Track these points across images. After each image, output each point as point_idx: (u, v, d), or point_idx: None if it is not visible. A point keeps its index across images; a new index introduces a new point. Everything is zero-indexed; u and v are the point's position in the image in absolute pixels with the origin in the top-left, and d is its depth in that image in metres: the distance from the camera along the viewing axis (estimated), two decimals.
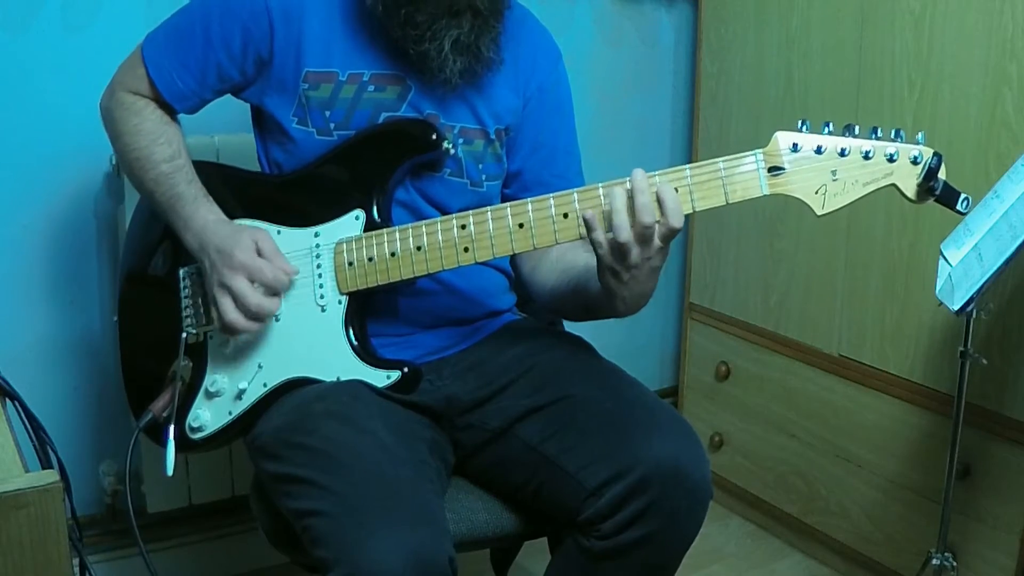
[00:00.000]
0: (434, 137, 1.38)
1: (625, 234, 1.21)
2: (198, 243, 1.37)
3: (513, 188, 1.53)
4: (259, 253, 1.34)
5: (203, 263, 1.37)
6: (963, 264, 1.51)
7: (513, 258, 1.53)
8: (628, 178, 1.24)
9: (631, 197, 1.22)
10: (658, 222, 1.22)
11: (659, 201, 1.22)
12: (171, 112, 1.47)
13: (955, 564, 1.71)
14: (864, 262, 2.03)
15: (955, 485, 1.67)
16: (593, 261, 1.37)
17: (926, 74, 1.85)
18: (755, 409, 2.32)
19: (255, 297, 1.32)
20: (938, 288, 1.53)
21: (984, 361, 1.61)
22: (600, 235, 1.24)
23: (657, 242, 1.23)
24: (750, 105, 2.25)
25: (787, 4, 2.13)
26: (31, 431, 1.22)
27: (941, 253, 1.57)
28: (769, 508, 2.33)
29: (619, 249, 1.22)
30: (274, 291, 1.34)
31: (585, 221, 1.24)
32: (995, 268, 1.42)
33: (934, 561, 1.70)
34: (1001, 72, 1.73)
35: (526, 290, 1.54)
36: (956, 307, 1.46)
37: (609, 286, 1.28)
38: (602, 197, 1.26)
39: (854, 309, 2.07)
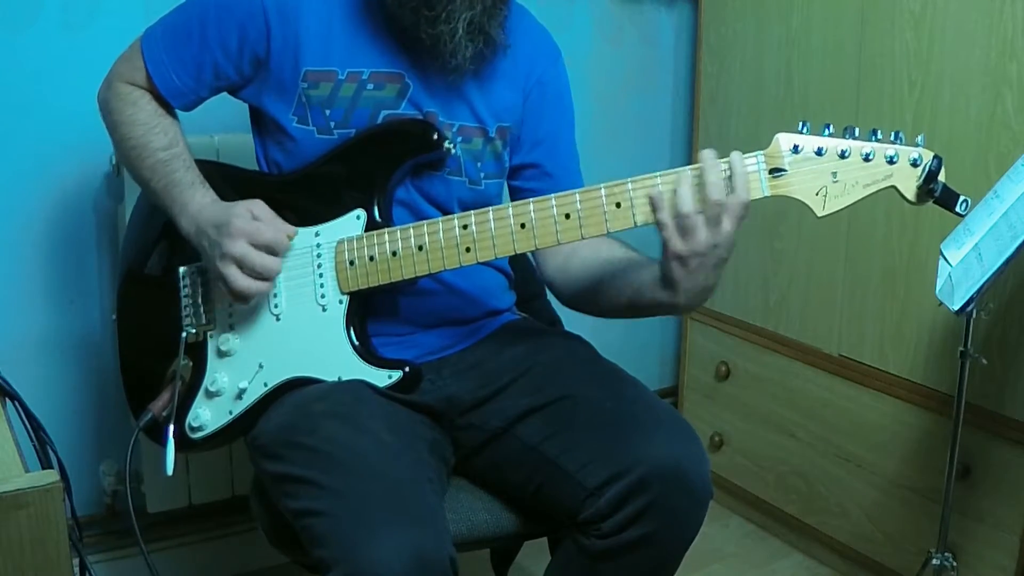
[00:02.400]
0: (435, 137, 1.38)
1: (688, 205, 1.20)
2: (194, 226, 1.36)
3: (520, 180, 1.53)
4: (255, 218, 1.34)
5: (201, 245, 1.35)
6: (963, 264, 1.51)
7: (535, 257, 1.52)
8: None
9: (699, 176, 1.21)
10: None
11: (730, 176, 1.21)
12: (168, 106, 1.46)
13: (955, 564, 1.71)
14: (864, 262, 2.03)
15: (955, 485, 1.67)
16: (634, 255, 1.38)
17: (926, 74, 1.85)
18: (755, 409, 2.32)
19: (258, 257, 1.31)
20: (938, 288, 1.53)
21: (984, 361, 1.61)
22: (666, 215, 1.21)
23: (727, 226, 1.21)
24: (750, 105, 2.25)
25: (787, 4, 2.13)
26: (31, 431, 1.23)
27: (941, 253, 1.57)
28: (769, 508, 2.33)
29: (684, 225, 1.21)
30: (274, 252, 1.33)
31: (651, 199, 1.22)
32: (995, 268, 1.42)
33: (934, 561, 1.70)
34: (1001, 72, 1.73)
35: (553, 289, 1.51)
36: (956, 307, 1.46)
37: (673, 276, 1.24)
38: (604, 198, 1.26)
39: (854, 309, 2.07)
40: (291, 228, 1.36)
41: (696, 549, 1.35)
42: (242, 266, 1.31)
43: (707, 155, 1.22)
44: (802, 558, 2.26)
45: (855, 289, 2.06)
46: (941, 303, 1.50)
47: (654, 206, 1.23)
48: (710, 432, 2.43)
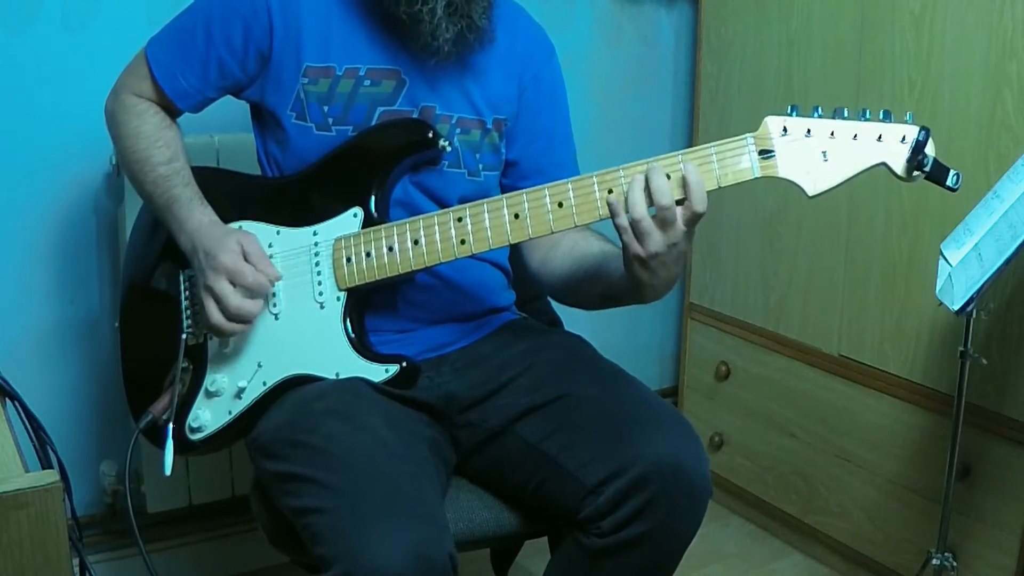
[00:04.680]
0: (431, 135, 1.38)
1: (640, 209, 1.21)
2: (191, 245, 1.38)
3: (511, 178, 1.53)
4: (245, 256, 1.35)
5: (195, 264, 1.38)
6: (963, 264, 1.51)
7: (520, 251, 1.53)
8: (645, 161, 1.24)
9: (647, 179, 1.22)
10: (681, 204, 1.22)
11: (684, 184, 1.22)
12: (173, 114, 1.47)
13: (955, 564, 1.71)
14: (864, 262, 2.03)
15: (955, 485, 1.67)
16: (608, 247, 1.39)
17: (926, 74, 1.85)
18: (755, 409, 2.32)
19: (235, 300, 1.33)
20: (938, 288, 1.53)
21: (984, 361, 1.61)
22: (624, 220, 1.23)
23: (681, 226, 1.22)
24: (750, 105, 2.25)
25: (787, 4, 2.13)
26: (31, 431, 1.22)
27: (941, 253, 1.57)
28: (769, 508, 2.33)
29: (639, 229, 1.22)
30: (255, 295, 1.35)
31: (609, 205, 1.24)
32: (995, 268, 1.42)
33: (934, 561, 1.70)
34: (1001, 72, 1.73)
35: (537, 282, 1.53)
36: (956, 307, 1.46)
37: (637, 276, 1.27)
38: (596, 186, 1.27)
39: (854, 309, 2.07)
40: (275, 273, 1.37)
41: (696, 549, 1.36)
42: (219, 304, 1.33)
43: (653, 161, 1.24)
44: (802, 558, 2.26)
45: (855, 289, 2.06)
46: (941, 303, 1.50)
47: (612, 211, 1.24)
48: (710, 432, 2.43)
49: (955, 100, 1.81)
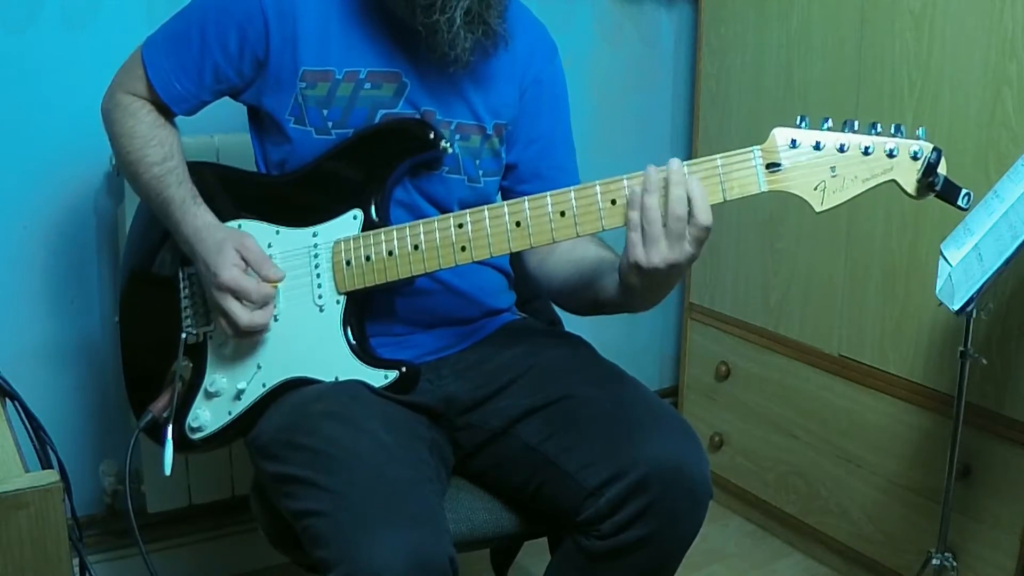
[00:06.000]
0: (432, 136, 1.38)
1: (654, 213, 1.20)
2: (189, 248, 1.39)
3: (510, 180, 1.52)
4: (245, 261, 1.35)
5: (198, 269, 1.39)
6: (963, 264, 1.51)
7: (519, 253, 1.52)
8: (663, 167, 1.22)
9: (666, 185, 1.20)
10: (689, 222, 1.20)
11: (688, 198, 1.20)
12: (168, 114, 1.47)
13: (955, 564, 1.71)
14: (864, 262, 2.03)
15: (955, 485, 1.67)
16: (604, 254, 1.38)
17: (926, 74, 1.85)
18: (755, 409, 2.32)
19: (245, 316, 1.34)
20: (938, 288, 1.53)
21: (984, 361, 1.61)
22: (638, 215, 1.21)
23: (687, 247, 1.20)
24: (750, 105, 2.25)
25: (787, 4, 2.13)
26: (31, 431, 1.23)
27: (941, 253, 1.57)
28: (769, 508, 2.33)
29: (648, 235, 1.20)
30: (263, 305, 1.36)
31: (629, 196, 1.22)
32: (995, 268, 1.42)
33: (934, 561, 1.70)
34: (1001, 72, 1.73)
35: (534, 283, 1.53)
36: (956, 307, 1.46)
37: (630, 282, 1.25)
38: (599, 195, 1.26)
39: (854, 309, 2.07)
40: (278, 273, 1.37)
41: (696, 549, 1.36)
42: (228, 321, 1.35)
43: (674, 165, 1.21)
44: (802, 558, 2.26)
45: (855, 289, 2.06)
46: (941, 303, 1.50)
47: (631, 202, 1.22)
48: (710, 432, 2.43)
49: (955, 100, 1.81)
